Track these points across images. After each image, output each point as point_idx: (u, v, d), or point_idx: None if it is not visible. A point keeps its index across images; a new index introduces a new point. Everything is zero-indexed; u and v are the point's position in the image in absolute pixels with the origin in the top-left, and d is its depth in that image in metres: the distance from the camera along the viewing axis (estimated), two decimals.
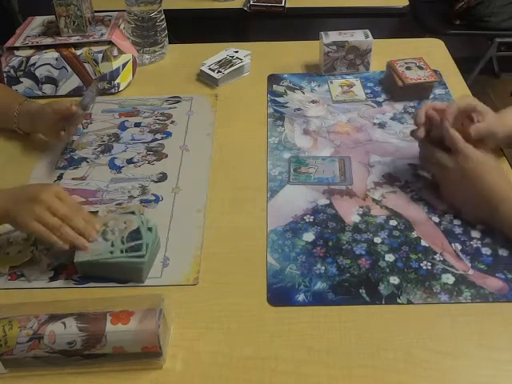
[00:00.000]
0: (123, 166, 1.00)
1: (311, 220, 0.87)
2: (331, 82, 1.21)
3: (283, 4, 1.70)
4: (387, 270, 0.79)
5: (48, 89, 1.20)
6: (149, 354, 0.67)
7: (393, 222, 0.86)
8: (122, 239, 0.77)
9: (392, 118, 1.10)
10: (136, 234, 0.78)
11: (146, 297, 0.71)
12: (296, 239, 0.84)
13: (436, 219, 0.86)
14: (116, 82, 1.20)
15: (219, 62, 1.25)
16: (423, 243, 0.83)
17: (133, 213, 0.81)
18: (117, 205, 0.91)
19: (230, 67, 1.22)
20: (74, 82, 1.19)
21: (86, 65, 1.18)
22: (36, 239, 0.84)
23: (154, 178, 0.97)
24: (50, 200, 0.77)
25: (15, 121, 1.03)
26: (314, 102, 1.16)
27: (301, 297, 0.76)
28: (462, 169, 0.83)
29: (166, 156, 1.02)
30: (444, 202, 0.88)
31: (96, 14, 1.28)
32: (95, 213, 0.89)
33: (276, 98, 1.17)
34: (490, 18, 2.26)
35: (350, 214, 0.88)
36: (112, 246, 0.77)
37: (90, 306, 0.69)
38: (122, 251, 0.77)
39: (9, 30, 1.28)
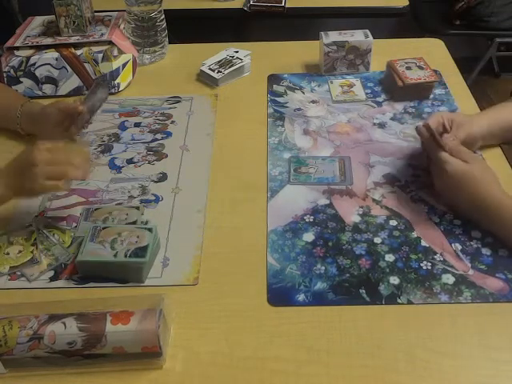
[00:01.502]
0: (123, 166, 1.00)
1: (311, 220, 0.87)
2: (331, 82, 1.21)
3: (283, 4, 1.70)
4: (387, 270, 0.79)
5: (48, 89, 1.20)
6: (149, 354, 0.67)
7: (393, 222, 0.86)
8: (126, 253, 0.77)
9: (392, 118, 1.10)
10: (141, 251, 0.78)
11: (146, 297, 0.71)
12: (296, 239, 0.84)
13: (436, 219, 0.86)
14: (116, 82, 1.20)
15: (219, 61, 1.25)
16: (423, 243, 0.83)
17: (150, 230, 0.81)
18: (117, 205, 0.91)
19: (230, 67, 1.22)
20: (74, 81, 1.19)
21: (86, 65, 1.18)
22: (36, 239, 0.84)
23: (153, 178, 0.97)
24: (45, 157, 0.80)
25: (18, 121, 1.03)
26: (313, 101, 1.16)
27: (301, 297, 0.76)
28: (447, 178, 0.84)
29: (166, 156, 1.02)
30: (440, 200, 0.89)
31: (96, 13, 1.28)
32: (98, 208, 0.90)
33: (276, 98, 1.17)
34: (490, 18, 2.25)
35: (350, 214, 0.88)
36: (114, 256, 0.77)
37: (90, 306, 0.69)
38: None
39: (9, 30, 1.28)
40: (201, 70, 1.23)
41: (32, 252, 0.83)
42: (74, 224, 0.88)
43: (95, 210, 0.88)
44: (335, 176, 0.96)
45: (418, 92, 1.13)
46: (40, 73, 1.18)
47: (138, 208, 0.88)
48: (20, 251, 0.83)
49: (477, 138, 0.95)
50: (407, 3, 1.75)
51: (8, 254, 0.83)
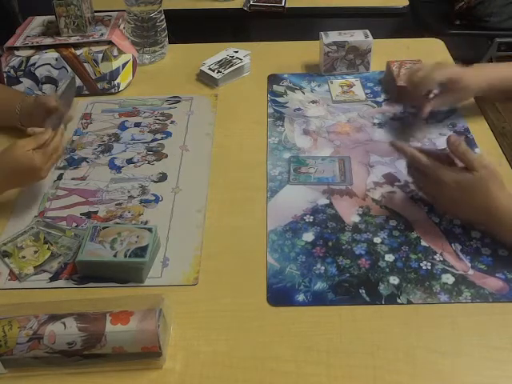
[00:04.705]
0: (123, 166, 1.00)
1: (311, 220, 0.87)
2: (331, 82, 1.21)
3: (283, 4, 1.70)
4: (387, 270, 0.79)
5: (48, 89, 1.20)
6: (149, 353, 0.67)
7: (393, 222, 0.86)
8: (126, 252, 0.77)
9: (392, 118, 1.10)
10: (141, 251, 0.78)
11: (145, 297, 0.71)
12: (296, 239, 0.84)
13: (436, 219, 0.86)
14: (116, 81, 1.20)
15: (219, 61, 1.25)
16: (423, 243, 0.83)
17: (150, 230, 0.81)
18: (117, 205, 0.91)
19: (229, 67, 1.22)
20: None
21: (85, 65, 1.18)
22: (45, 237, 0.84)
23: (154, 178, 0.97)
24: (43, 161, 0.87)
25: (17, 117, 1.03)
26: (313, 101, 1.16)
27: (301, 297, 0.76)
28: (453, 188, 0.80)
29: (166, 156, 1.02)
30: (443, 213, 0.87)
31: (96, 13, 1.28)
32: (94, 212, 0.90)
33: (276, 98, 1.17)
34: (490, 18, 2.26)
35: (350, 214, 0.88)
36: (114, 256, 0.77)
37: (90, 306, 0.69)
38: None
39: (9, 30, 1.28)
40: (201, 70, 1.23)
41: (49, 249, 0.83)
42: (75, 224, 0.88)
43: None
44: (335, 176, 0.96)
45: None
46: (40, 73, 1.18)
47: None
48: (36, 251, 0.83)
49: (472, 93, 1.01)
50: (407, 3, 1.75)
51: (24, 257, 0.82)
